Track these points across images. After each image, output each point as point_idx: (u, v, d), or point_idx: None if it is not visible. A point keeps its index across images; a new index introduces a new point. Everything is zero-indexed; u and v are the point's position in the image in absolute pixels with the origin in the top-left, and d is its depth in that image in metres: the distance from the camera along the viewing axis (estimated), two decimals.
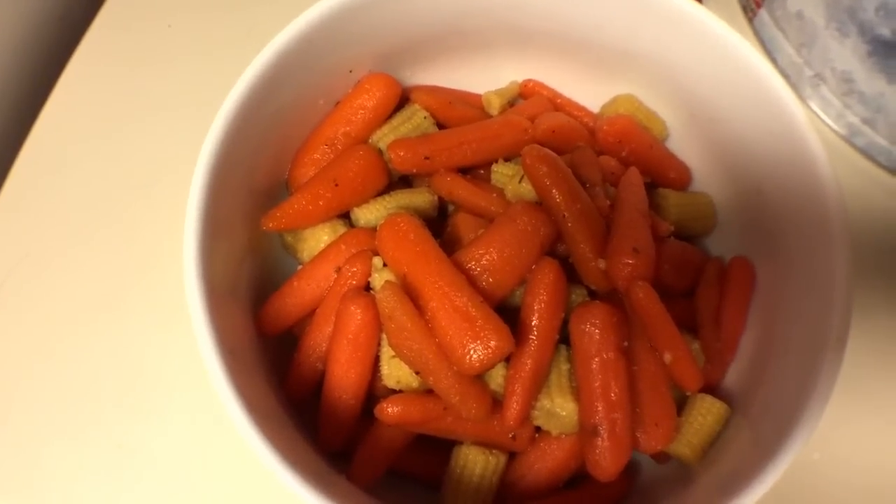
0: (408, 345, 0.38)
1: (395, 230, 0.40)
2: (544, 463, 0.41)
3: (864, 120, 0.54)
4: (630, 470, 0.43)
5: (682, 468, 0.42)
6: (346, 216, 0.45)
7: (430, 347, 0.37)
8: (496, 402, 0.39)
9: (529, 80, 0.51)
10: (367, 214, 0.44)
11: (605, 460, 0.38)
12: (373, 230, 0.42)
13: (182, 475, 0.46)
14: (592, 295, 0.42)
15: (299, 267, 0.44)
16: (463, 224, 0.43)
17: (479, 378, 0.39)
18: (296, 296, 0.43)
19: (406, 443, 0.41)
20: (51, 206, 0.53)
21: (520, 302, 0.40)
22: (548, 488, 0.41)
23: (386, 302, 0.38)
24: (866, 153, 0.56)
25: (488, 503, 0.41)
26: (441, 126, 0.48)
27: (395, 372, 0.39)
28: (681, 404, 0.42)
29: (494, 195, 0.44)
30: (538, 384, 0.39)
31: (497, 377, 0.39)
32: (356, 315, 0.39)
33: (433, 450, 0.42)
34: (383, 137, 0.46)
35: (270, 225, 0.43)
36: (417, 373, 0.38)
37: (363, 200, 0.44)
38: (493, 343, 0.36)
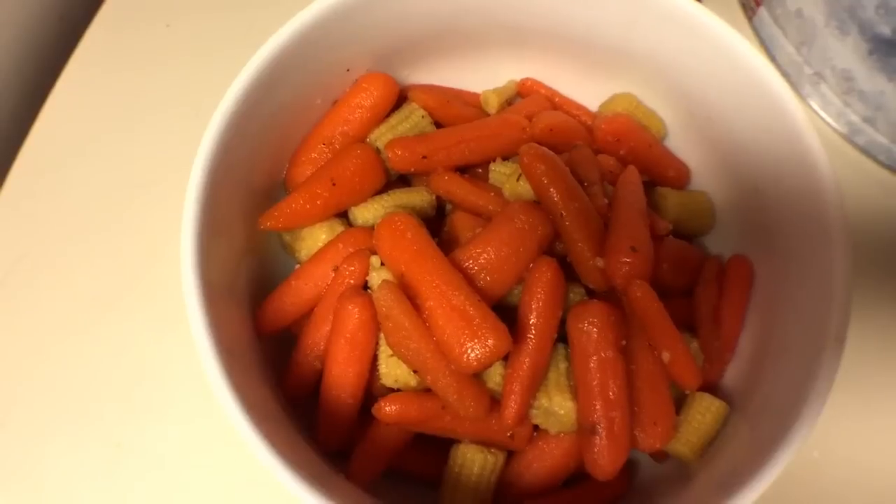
0: (405, 344, 0.38)
1: (392, 229, 0.40)
2: (543, 462, 0.41)
3: (865, 118, 0.54)
4: (628, 468, 0.43)
5: (681, 467, 0.42)
6: (343, 215, 0.45)
7: (428, 346, 0.37)
8: (494, 401, 0.39)
9: (527, 79, 0.51)
10: (365, 214, 0.44)
11: (604, 459, 0.38)
12: (370, 229, 0.42)
13: (181, 474, 0.46)
14: (590, 294, 0.42)
15: (297, 266, 0.44)
16: (461, 223, 0.43)
17: (476, 377, 0.39)
18: (294, 295, 0.43)
19: (404, 442, 0.41)
20: (50, 206, 0.53)
21: (518, 301, 0.40)
22: (546, 487, 0.41)
23: (383, 301, 0.38)
24: (866, 152, 0.56)
25: (487, 502, 0.41)
26: (439, 125, 0.48)
27: (392, 371, 0.39)
28: (679, 403, 0.42)
29: (492, 194, 0.43)
30: (536, 383, 0.39)
31: (495, 376, 0.39)
32: (354, 314, 0.39)
33: (431, 449, 0.42)
34: (381, 136, 0.46)
35: (268, 224, 0.43)
36: (415, 371, 0.38)
37: (361, 200, 0.44)
38: (490, 342, 0.36)
